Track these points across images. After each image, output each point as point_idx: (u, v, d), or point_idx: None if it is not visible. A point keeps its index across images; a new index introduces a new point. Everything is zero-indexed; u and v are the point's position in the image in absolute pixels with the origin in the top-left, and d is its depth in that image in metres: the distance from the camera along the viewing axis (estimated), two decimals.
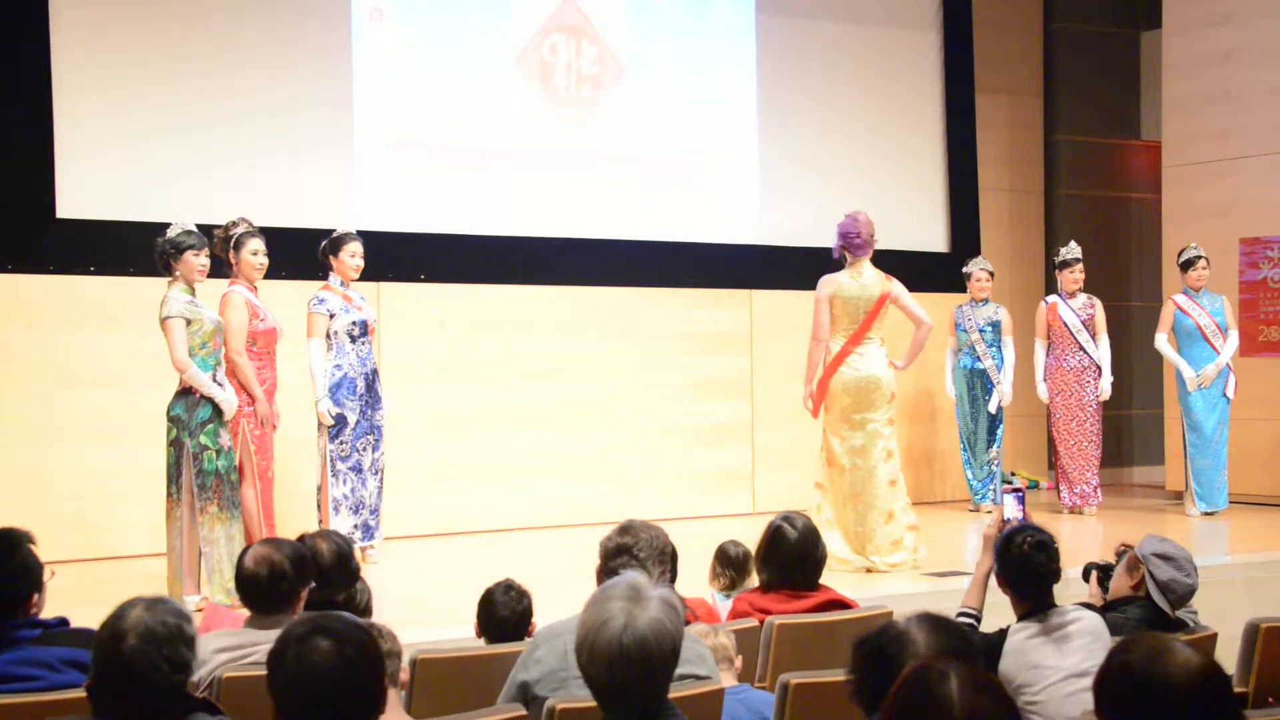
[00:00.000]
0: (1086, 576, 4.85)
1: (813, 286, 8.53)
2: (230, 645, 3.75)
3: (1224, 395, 9.47)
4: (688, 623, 3.26)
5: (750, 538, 4.96)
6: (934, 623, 2.66)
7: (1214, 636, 4.39)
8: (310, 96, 8.76)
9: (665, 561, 3.99)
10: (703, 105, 10.09)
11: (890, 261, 10.69)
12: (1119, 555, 4.76)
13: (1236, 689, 4.18)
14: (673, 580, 4.13)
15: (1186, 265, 9.58)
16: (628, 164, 9.83)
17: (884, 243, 10.65)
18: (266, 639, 3.63)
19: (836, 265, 7.40)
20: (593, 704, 2.70)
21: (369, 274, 7.85)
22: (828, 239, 10.14)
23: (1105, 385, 9.63)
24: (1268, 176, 10.11)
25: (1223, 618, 4.83)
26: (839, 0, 10.72)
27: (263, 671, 2.59)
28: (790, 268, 9.84)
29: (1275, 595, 6.56)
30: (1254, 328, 10.15)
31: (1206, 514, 9.38)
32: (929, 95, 11.07)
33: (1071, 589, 4.31)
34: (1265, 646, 4.29)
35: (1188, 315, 9.53)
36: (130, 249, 7.73)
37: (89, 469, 7.94)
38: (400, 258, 8.91)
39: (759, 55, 10.30)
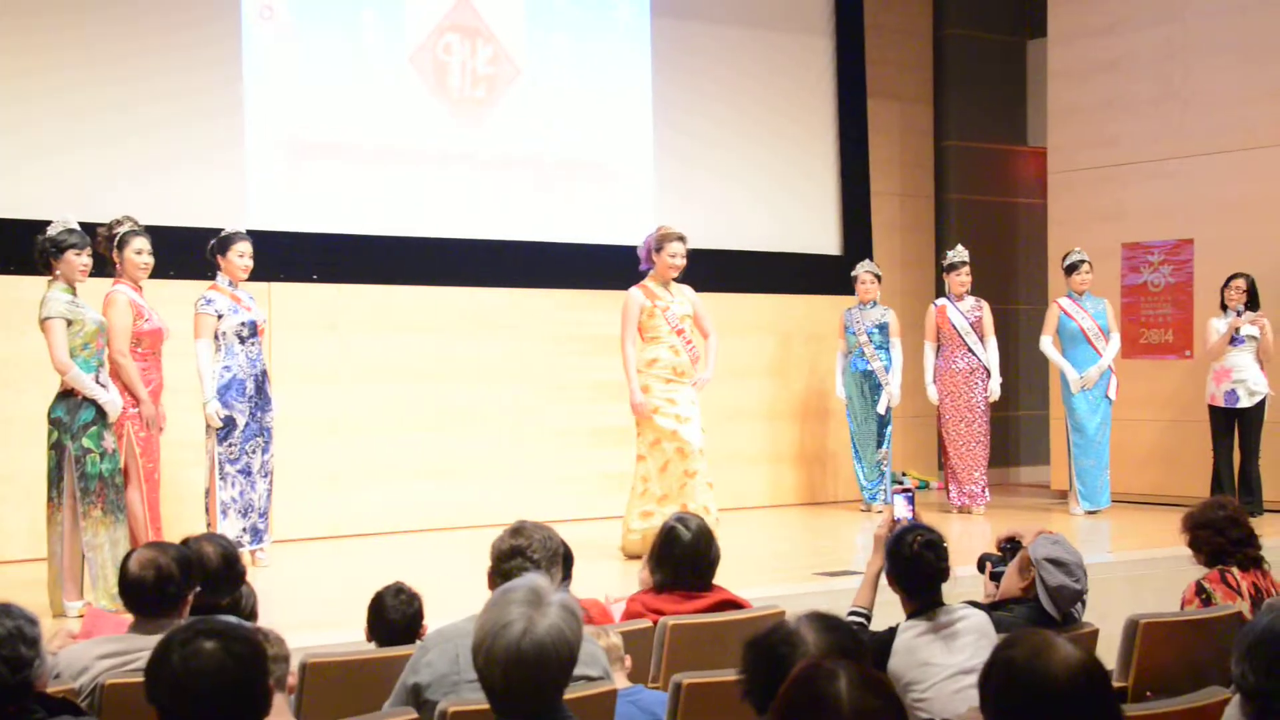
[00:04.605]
0: (981, 568, 4.92)
1: (707, 287, 8.60)
2: (114, 651, 3.68)
3: (1106, 396, 9.68)
4: None
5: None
6: (824, 622, 2.68)
7: (1095, 633, 4.48)
8: (200, 95, 8.61)
9: (559, 563, 3.98)
10: (599, 106, 10.09)
11: (784, 264, 10.87)
12: (1001, 547, 4.83)
13: (1116, 684, 4.27)
14: (567, 580, 4.12)
15: (1070, 269, 9.78)
16: (523, 165, 9.80)
17: (778, 245, 10.87)
18: (152, 644, 3.57)
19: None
20: (485, 707, 2.69)
21: (260, 274, 7.74)
22: (723, 240, 10.26)
23: (995, 387, 9.80)
24: (1149, 184, 10.36)
25: (1105, 614, 4.94)
26: (733, 4, 10.78)
27: None
28: (686, 269, 9.86)
29: (1155, 592, 6.72)
30: (1135, 330, 10.39)
31: (1090, 513, 9.59)
32: (822, 100, 11.19)
33: (960, 587, 4.37)
34: (1144, 642, 4.39)
35: (1071, 318, 9.73)
36: (11, 248, 7.54)
37: None
38: (292, 258, 8.79)
39: (654, 58, 10.33)
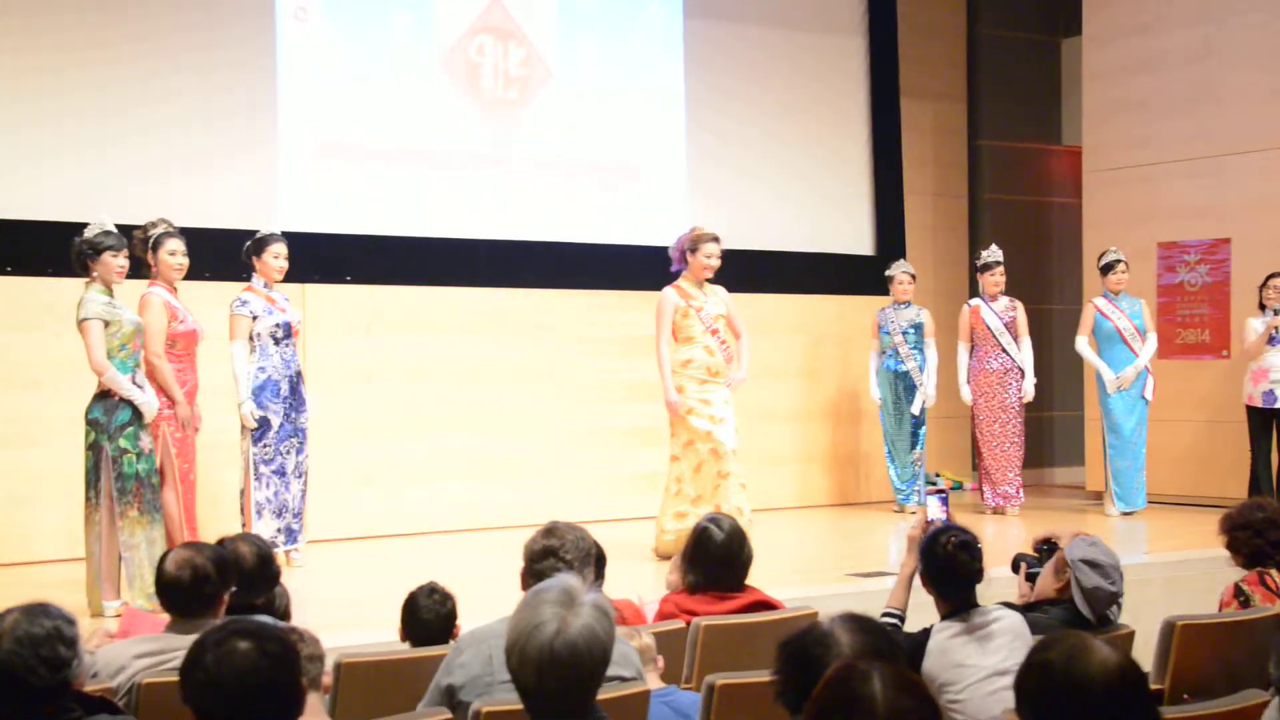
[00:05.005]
0: (1015, 568, 4.90)
1: (739, 288, 8.58)
2: (150, 650, 3.71)
3: (1142, 397, 9.62)
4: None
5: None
6: (858, 623, 2.67)
7: (1132, 634, 4.45)
8: (234, 97, 8.66)
9: (592, 563, 3.98)
10: (630, 108, 10.09)
11: (816, 264, 10.85)
12: (1038, 548, 4.81)
13: (1153, 686, 4.24)
14: (599, 580, 4.12)
15: (1106, 269, 9.72)
16: (555, 166, 9.81)
17: (810, 245, 10.85)
18: (188, 644, 3.59)
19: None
20: (519, 707, 2.69)
21: (294, 275, 7.77)
22: (755, 241, 10.25)
23: (1029, 387, 9.76)
24: (1185, 183, 10.29)
25: (1140, 616, 4.91)
26: (765, 5, 10.77)
27: None
28: (718, 270, 9.87)
29: (1191, 594, 6.67)
30: (1171, 331, 10.32)
31: (1125, 514, 9.52)
32: (855, 100, 11.16)
33: (994, 588, 4.35)
34: (1181, 644, 4.36)
35: (1107, 318, 9.67)
36: (48, 249, 7.60)
37: (4, 473, 7.79)
38: (326, 259, 8.83)
39: (686, 58, 10.33)
